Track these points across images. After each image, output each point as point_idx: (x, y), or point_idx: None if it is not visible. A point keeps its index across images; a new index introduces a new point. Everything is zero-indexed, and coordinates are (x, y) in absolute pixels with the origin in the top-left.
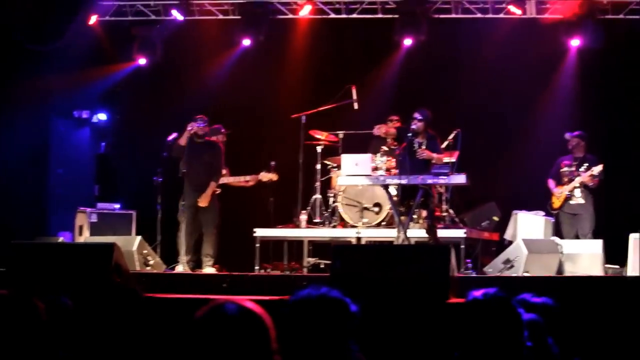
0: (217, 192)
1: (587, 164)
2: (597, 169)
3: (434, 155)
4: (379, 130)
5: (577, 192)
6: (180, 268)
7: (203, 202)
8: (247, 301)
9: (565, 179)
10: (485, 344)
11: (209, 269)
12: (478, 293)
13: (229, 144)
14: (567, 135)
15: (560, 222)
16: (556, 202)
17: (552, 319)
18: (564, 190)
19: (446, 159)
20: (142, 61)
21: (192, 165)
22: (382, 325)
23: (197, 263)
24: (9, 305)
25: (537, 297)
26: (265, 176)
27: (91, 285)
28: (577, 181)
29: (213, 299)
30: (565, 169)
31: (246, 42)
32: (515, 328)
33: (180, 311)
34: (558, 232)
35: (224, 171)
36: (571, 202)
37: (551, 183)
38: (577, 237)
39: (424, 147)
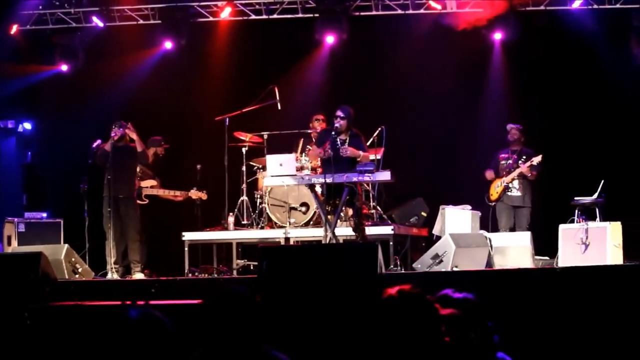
0: (144, 202)
1: (524, 157)
2: (537, 159)
3: (359, 152)
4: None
5: (516, 184)
6: (109, 275)
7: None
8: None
9: (504, 172)
10: (401, 340)
11: (138, 275)
12: (392, 290)
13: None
14: (509, 126)
15: (497, 213)
16: (494, 194)
17: (474, 313)
18: (503, 181)
19: (371, 156)
20: (64, 68)
21: (113, 172)
22: (311, 325)
23: (126, 269)
24: None
25: (459, 293)
26: (195, 194)
27: (18, 295)
28: (515, 172)
29: (141, 304)
30: (503, 161)
31: (168, 44)
32: (430, 323)
33: (110, 317)
34: (494, 223)
35: (154, 182)
36: (510, 193)
37: (489, 174)
38: (513, 228)
39: (346, 144)
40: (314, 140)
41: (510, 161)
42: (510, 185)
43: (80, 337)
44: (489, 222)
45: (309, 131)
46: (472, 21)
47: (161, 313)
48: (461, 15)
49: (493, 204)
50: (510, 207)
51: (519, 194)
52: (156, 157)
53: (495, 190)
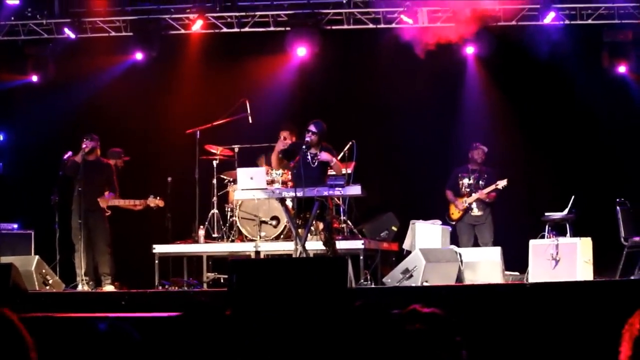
0: (107, 214)
1: (485, 176)
2: (502, 184)
3: (333, 158)
4: (282, 143)
5: (475, 204)
6: (80, 287)
7: (103, 204)
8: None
9: (464, 191)
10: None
11: (108, 287)
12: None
13: (126, 163)
14: (477, 145)
15: (458, 232)
16: (455, 214)
17: (442, 328)
18: (465, 202)
19: (342, 170)
20: (34, 78)
21: (83, 184)
22: (281, 338)
23: (97, 282)
24: None
25: (427, 308)
26: (152, 201)
27: None
28: (476, 196)
29: (111, 316)
30: (465, 181)
31: (139, 56)
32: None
33: (80, 330)
34: (456, 242)
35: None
36: (472, 213)
37: (450, 194)
38: (476, 246)
39: (316, 160)
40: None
41: (470, 181)
42: (470, 205)
43: (50, 349)
44: (457, 238)
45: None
46: (443, 36)
47: (131, 326)
48: (433, 29)
49: (454, 223)
50: (470, 225)
51: (479, 212)
52: (115, 169)
53: (456, 210)
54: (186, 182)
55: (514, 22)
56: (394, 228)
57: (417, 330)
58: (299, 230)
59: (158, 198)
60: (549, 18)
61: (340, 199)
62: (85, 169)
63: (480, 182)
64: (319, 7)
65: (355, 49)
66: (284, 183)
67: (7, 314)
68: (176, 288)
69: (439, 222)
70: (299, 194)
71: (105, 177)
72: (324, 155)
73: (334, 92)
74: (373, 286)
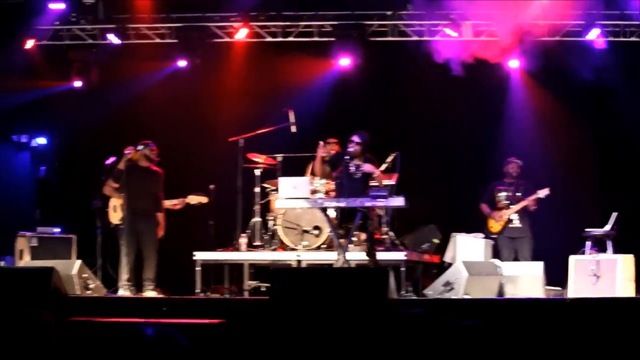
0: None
1: (522, 188)
2: (544, 193)
3: (376, 170)
4: (322, 149)
5: (516, 216)
6: (121, 292)
7: (161, 233)
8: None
9: (502, 204)
10: None
11: (149, 293)
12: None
13: (168, 168)
14: (511, 159)
15: (499, 246)
16: (495, 227)
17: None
18: (505, 214)
19: (385, 182)
20: (77, 83)
21: (133, 190)
22: (321, 348)
23: (138, 286)
24: None
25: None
26: (193, 199)
27: (31, 309)
28: (521, 204)
29: (153, 322)
30: (503, 194)
31: (182, 63)
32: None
33: (120, 335)
34: (497, 256)
35: None
36: (511, 226)
37: (486, 208)
38: (516, 260)
39: (360, 171)
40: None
41: (509, 193)
42: (510, 218)
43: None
44: (498, 252)
45: (323, 154)
46: (487, 50)
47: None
48: (476, 43)
49: (494, 236)
50: (510, 239)
51: (519, 225)
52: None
53: (496, 223)
54: (229, 190)
55: (557, 38)
56: (435, 240)
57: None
58: (341, 240)
59: (201, 194)
60: (593, 34)
61: (383, 210)
62: (136, 174)
63: (518, 193)
64: (364, 18)
65: (398, 60)
66: (327, 193)
67: (44, 316)
68: (217, 296)
69: (481, 235)
70: (342, 204)
71: (156, 185)
72: (367, 167)
73: (377, 103)
74: (414, 298)
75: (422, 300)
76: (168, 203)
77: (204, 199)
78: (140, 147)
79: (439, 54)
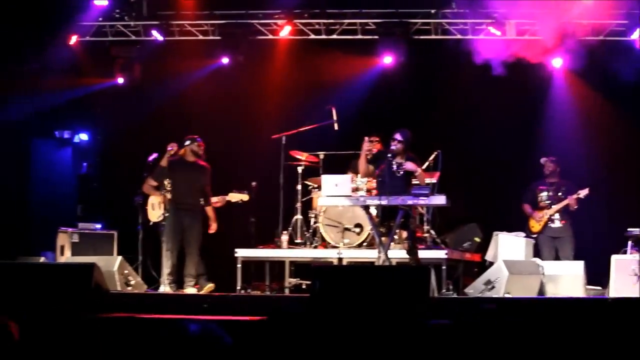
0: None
1: (564, 188)
2: (584, 193)
3: (418, 169)
4: (367, 144)
5: (557, 216)
6: (162, 288)
7: (214, 226)
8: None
9: (544, 204)
10: None
11: (190, 289)
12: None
13: (210, 165)
14: (543, 160)
15: (540, 245)
16: (536, 226)
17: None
18: (546, 214)
19: (427, 180)
20: (120, 80)
21: (179, 185)
22: (361, 345)
23: (179, 283)
24: None
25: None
26: (233, 196)
27: (71, 305)
28: (562, 204)
29: (194, 319)
30: (544, 194)
31: (225, 60)
32: None
33: (162, 331)
34: (538, 255)
35: None
36: (552, 225)
37: (528, 208)
38: (557, 260)
39: (402, 169)
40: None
41: (550, 193)
42: (551, 217)
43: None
44: (539, 251)
45: (367, 150)
46: (530, 48)
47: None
48: (519, 42)
49: (534, 236)
50: (551, 238)
51: (560, 225)
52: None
53: (537, 222)
54: (271, 187)
55: (601, 37)
56: (477, 239)
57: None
58: (382, 239)
59: (241, 191)
60: (637, 34)
61: (425, 209)
62: (182, 170)
63: (559, 193)
64: (408, 16)
65: (441, 59)
66: (369, 191)
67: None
68: (258, 293)
69: (523, 234)
70: (384, 202)
71: (204, 179)
72: (409, 165)
73: (419, 102)
74: (455, 296)
75: (462, 298)
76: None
77: (244, 197)
78: (187, 142)
79: (482, 52)
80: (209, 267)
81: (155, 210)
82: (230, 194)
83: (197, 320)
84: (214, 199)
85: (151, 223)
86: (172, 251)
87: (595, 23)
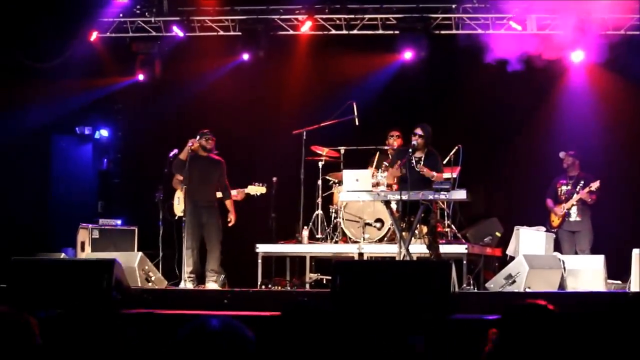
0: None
1: (582, 182)
2: (595, 185)
3: (433, 173)
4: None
5: (574, 210)
6: (182, 284)
7: (233, 220)
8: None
9: (563, 197)
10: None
11: (212, 285)
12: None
13: (231, 161)
14: (562, 154)
15: (560, 240)
16: (555, 221)
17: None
18: (563, 208)
19: (447, 175)
20: (140, 77)
21: (195, 181)
22: (383, 340)
23: (200, 278)
24: (5, 323)
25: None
26: (253, 189)
27: (91, 301)
28: (575, 199)
29: (215, 314)
30: (563, 187)
31: (245, 56)
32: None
33: (190, 326)
34: (558, 249)
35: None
36: (570, 219)
37: (550, 202)
38: (576, 254)
39: (421, 163)
40: (390, 156)
41: (569, 187)
42: (569, 211)
43: (151, 345)
44: (560, 246)
45: (385, 147)
46: (551, 42)
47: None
48: (541, 36)
49: (554, 230)
50: (570, 233)
51: (578, 219)
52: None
53: (557, 216)
54: (291, 183)
55: (622, 32)
56: (497, 234)
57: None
58: (403, 233)
59: (259, 184)
60: None
61: (445, 203)
62: (198, 165)
63: (578, 187)
64: (428, 11)
65: (461, 53)
66: (389, 186)
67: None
68: (279, 288)
69: (543, 228)
70: (404, 197)
71: (219, 173)
72: (425, 170)
73: (440, 97)
74: (476, 291)
75: (483, 293)
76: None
77: (262, 189)
78: (197, 137)
79: (502, 47)
80: (230, 262)
81: (180, 205)
82: (250, 187)
83: (217, 315)
84: (233, 192)
85: (176, 217)
86: (193, 249)
87: (615, 17)
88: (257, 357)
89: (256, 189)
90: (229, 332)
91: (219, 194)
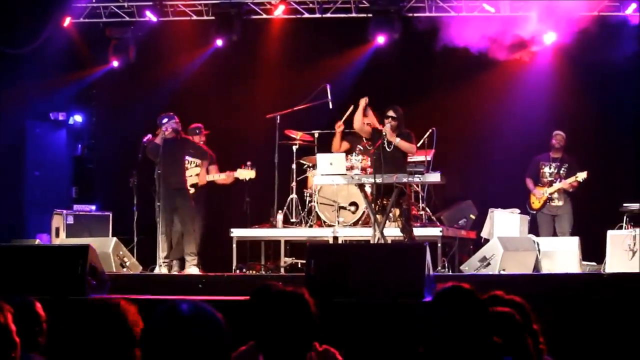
0: (192, 192)
1: (566, 165)
2: (582, 176)
3: (409, 144)
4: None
5: (556, 194)
6: (157, 269)
7: (202, 181)
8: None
9: (546, 180)
10: (450, 336)
11: (193, 269)
12: (444, 286)
13: (207, 144)
14: (556, 132)
15: (538, 222)
16: (536, 203)
17: (522, 316)
18: (545, 192)
19: (421, 157)
20: (115, 63)
21: (166, 165)
22: (357, 323)
23: (181, 263)
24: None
25: (508, 295)
26: (242, 173)
27: (65, 286)
28: (557, 186)
29: (187, 299)
30: (546, 169)
31: (219, 42)
32: (480, 320)
33: (159, 311)
34: (535, 232)
35: (199, 170)
36: (552, 203)
37: (530, 183)
38: (555, 236)
39: (397, 141)
40: (363, 139)
41: (552, 169)
42: (551, 195)
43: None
44: (537, 228)
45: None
46: (523, 25)
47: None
48: (512, 18)
49: (534, 212)
50: (550, 216)
51: (560, 203)
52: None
53: (537, 199)
54: (265, 167)
55: (595, 13)
56: (472, 216)
57: (506, 314)
58: (377, 216)
59: (249, 168)
60: (631, 9)
61: (420, 186)
62: (166, 148)
63: (562, 171)
64: None
65: (434, 36)
66: (363, 169)
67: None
68: (253, 272)
69: (518, 210)
70: (379, 180)
71: (186, 152)
72: (399, 140)
73: (414, 80)
74: (450, 274)
75: (457, 275)
76: (218, 178)
77: (252, 174)
78: (164, 120)
79: (476, 29)
80: (205, 247)
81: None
82: (239, 170)
83: (189, 300)
84: (222, 176)
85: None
86: (167, 234)
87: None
88: (227, 341)
89: (246, 173)
90: (199, 316)
91: (211, 177)
